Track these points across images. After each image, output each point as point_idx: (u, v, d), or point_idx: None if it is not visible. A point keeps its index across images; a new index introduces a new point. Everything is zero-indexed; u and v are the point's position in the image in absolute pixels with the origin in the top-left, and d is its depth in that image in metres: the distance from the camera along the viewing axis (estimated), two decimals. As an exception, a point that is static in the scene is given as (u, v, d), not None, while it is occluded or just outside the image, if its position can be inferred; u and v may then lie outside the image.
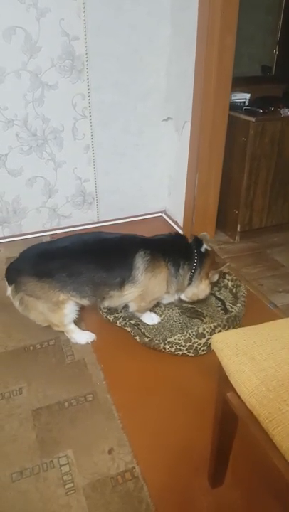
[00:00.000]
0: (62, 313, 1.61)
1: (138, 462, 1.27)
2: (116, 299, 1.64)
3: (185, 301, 1.80)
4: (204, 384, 1.53)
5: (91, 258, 1.58)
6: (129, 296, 1.63)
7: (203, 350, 1.64)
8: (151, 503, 1.17)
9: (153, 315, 1.80)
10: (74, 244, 1.61)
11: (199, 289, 1.71)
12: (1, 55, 2.00)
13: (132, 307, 1.70)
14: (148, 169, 2.65)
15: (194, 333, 1.61)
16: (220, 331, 1.61)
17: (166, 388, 1.53)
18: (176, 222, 2.67)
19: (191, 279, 1.68)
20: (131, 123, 2.44)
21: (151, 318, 1.78)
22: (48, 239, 2.55)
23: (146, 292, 1.63)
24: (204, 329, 1.62)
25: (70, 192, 2.55)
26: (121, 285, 1.59)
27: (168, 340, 1.61)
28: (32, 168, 2.38)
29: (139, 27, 2.19)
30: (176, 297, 1.75)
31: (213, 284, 1.78)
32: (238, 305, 1.76)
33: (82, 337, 1.72)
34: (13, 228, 2.54)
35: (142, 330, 1.72)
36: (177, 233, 1.81)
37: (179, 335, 1.61)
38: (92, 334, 1.74)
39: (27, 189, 2.43)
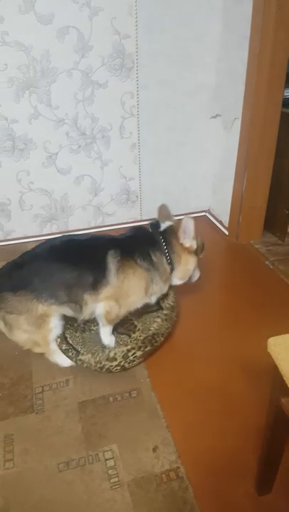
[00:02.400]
0: (47, 327, 1.50)
1: (183, 462, 1.26)
2: (91, 305, 1.53)
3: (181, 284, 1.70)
4: (251, 389, 1.49)
5: (60, 259, 1.50)
6: (102, 297, 1.53)
7: (116, 370, 1.53)
8: (196, 504, 1.15)
9: (113, 338, 1.63)
10: (42, 249, 1.54)
11: (184, 265, 1.61)
12: (54, 54, 2.04)
13: (101, 308, 1.54)
14: (192, 167, 2.62)
15: (105, 356, 1.51)
16: (134, 354, 1.52)
17: (211, 391, 1.50)
18: (220, 222, 2.63)
19: (170, 262, 1.59)
20: (177, 121, 2.42)
21: (109, 339, 1.61)
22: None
23: (120, 294, 1.53)
24: (115, 353, 1.51)
25: (114, 190, 2.57)
26: (94, 287, 1.50)
27: (79, 357, 1.53)
28: (80, 167, 2.41)
29: (188, 24, 2.17)
30: (166, 288, 1.65)
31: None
32: (158, 320, 1.65)
33: (65, 360, 1.59)
34: (60, 225, 2.59)
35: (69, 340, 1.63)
36: (140, 227, 1.68)
37: (90, 355, 1.53)
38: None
39: (74, 187, 2.47)
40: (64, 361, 1.60)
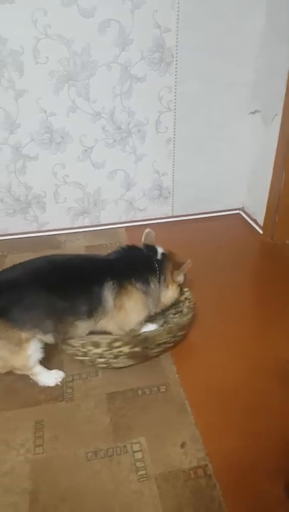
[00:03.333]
0: (25, 354, 1.39)
1: (211, 460, 1.25)
2: (84, 330, 1.48)
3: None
4: (282, 390, 1.46)
5: (48, 287, 1.38)
6: (102, 325, 1.49)
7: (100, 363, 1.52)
8: (224, 503, 1.14)
9: (149, 324, 1.64)
10: (25, 274, 1.41)
11: (167, 296, 1.58)
12: (95, 48, 2.06)
13: (113, 333, 1.53)
14: (227, 163, 2.58)
15: (90, 340, 1.47)
16: (119, 348, 1.47)
17: (240, 390, 1.48)
18: (255, 221, 2.59)
19: (160, 289, 1.56)
20: (214, 116, 2.39)
21: (148, 327, 1.62)
22: (123, 231, 2.60)
23: (123, 322, 1.50)
24: (101, 339, 1.47)
25: (147, 185, 2.57)
26: (89, 315, 1.44)
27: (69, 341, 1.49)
28: (114, 161, 2.42)
29: (229, 17, 2.13)
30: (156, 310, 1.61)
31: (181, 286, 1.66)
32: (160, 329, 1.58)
33: (50, 378, 1.52)
34: (92, 219, 2.61)
35: None
36: (130, 246, 1.62)
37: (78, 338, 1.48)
38: (61, 372, 1.55)
39: (108, 182, 2.48)
40: (49, 380, 1.51)
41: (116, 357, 1.49)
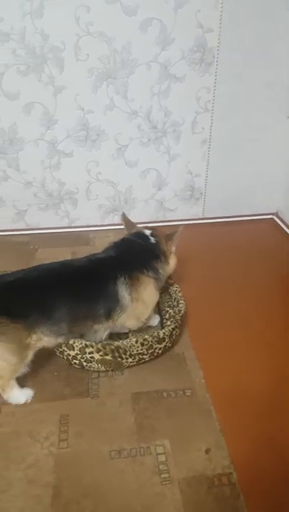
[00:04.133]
0: (24, 361, 1.37)
1: (236, 468, 1.23)
2: (102, 332, 1.49)
3: None
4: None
5: (67, 290, 1.40)
6: (121, 322, 1.51)
7: (75, 364, 1.53)
8: (248, 513, 1.12)
9: (156, 315, 1.73)
10: (44, 275, 1.42)
11: (169, 269, 1.64)
12: (135, 46, 2.05)
13: (131, 328, 1.59)
14: (263, 167, 2.54)
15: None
16: (91, 353, 1.48)
17: (267, 398, 1.46)
18: None
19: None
20: (252, 117, 2.35)
21: (155, 318, 1.72)
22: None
23: (141, 313, 1.53)
24: (74, 342, 1.47)
25: (179, 186, 2.55)
26: (107, 316, 1.45)
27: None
28: (147, 160, 2.42)
29: (273, 19, 2.09)
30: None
31: None
32: (132, 339, 1.53)
33: (21, 396, 1.44)
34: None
35: None
36: (123, 239, 1.63)
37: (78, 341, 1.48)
38: (31, 391, 1.47)
39: (140, 180, 2.48)
40: (20, 398, 1.43)
41: (88, 361, 1.50)
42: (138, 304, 1.50)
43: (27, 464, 1.26)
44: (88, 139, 2.29)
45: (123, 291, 1.46)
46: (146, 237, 1.62)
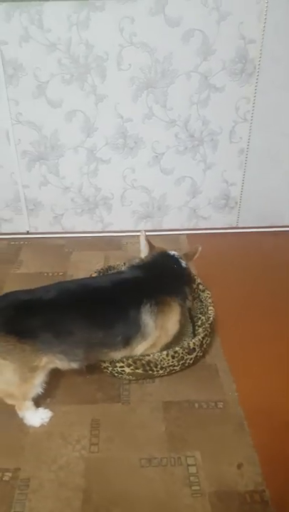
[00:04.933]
0: (33, 383, 1.31)
1: (268, 486, 1.21)
2: (117, 359, 1.44)
3: None
4: None
5: (83, 313, 1.32)
6: (139, 350, 1.44)
7: (106, 371, 1.53)
8: (280, 533, 1.10)
9: None
10: (60, 295, 1.33)
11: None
12: (176, 56, 2.08)
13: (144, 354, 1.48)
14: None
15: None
16: (122, 367, 1.47)
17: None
18: None
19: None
20: (291, 129, 2.33)
21: None
22: (185, 238, 2.59)
23: (162, 341, 1.47)
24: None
25: (213, 194, 2.55)
26: (125, 344, 1.38)
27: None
28: (183, 168, 2.43)
29: None
30: None
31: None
32: (163, 353, 1.48)
33: (37, 418, 1.40)
34: (154, 223, 2.63)
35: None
36: (165, 254, 1.54)
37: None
38: (49, 412, 1.42)
39: (174, 188, 2.50)
40: (34, 421, 1.39)
41: (119, 373, 1.50)
42: (162, 331, 1.44)
43: (58, 466, 1.29)
44: (126, 147, 2.33)
45: (147, 318, 1.38)
46: (176, 259, 1.53)
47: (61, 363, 1.33)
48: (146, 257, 1.55)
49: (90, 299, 1.36)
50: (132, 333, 1.37)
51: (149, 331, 1.40)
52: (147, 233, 2.56)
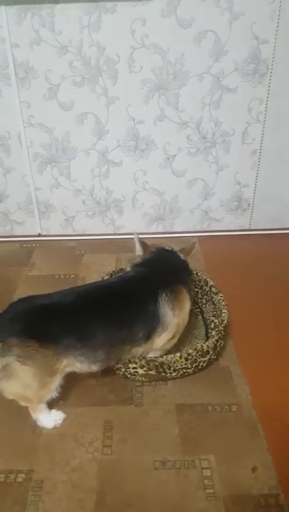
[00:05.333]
0: (50, 387, 1.32)
1: (283, 490, 1.19)
2: (140, 355, 1.46)
3: None
4: None
5: (103, 315, 1.34)
6: (160, 342, 1.45)
7: (119, 374, 1.53)
8: (296, 538, 1.08)
9: None
10: (78, 299, 1.34)
11: None
12: (188, 58, 2.07)
13: (158, 353, 1.52)
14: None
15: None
16: (135, 368, 1.47)
17: None
18: None
19: None
20: (305, 130, 2.31)
21: None
22: (197, 240, 2.57)
23: (178, 329, 1.49)
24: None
25: (225, 196, 2.53)
26: (146, 338, 1.40)
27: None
28: (195, 170, 2.42)
29: None
30: None
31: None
32: (176, 354, 1.48)
33: (50, 420, 1.40)
34: (166, 226, 2.63)
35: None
36: (163, 250, 1.60)
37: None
38: (62, 414, 1.43)
39: (186, 190, 2.49)
40: (48, 423, 1.39)
41: (132, 374, 1.50)
42: (179, 319, 1.46)
43: (71, 467, 1.29)
44: (137, 149, 2.33)
45: (165, 308, 1.41)
46: (175, 253, 1.58)
47: (81, 366, 1.34)
48: (145, 254, 1.59)
49: (107, 299, 1.38)
50: (152, 325, 1.40)
51: (169, 320, 1.42)
52: (159, 236, 2.60)
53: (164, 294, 1.41)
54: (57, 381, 1.32)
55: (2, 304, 1.96)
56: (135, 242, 1.61)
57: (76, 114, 2.22)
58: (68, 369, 1.34)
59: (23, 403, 1.37)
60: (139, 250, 1.60)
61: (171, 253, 1.58)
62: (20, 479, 1.25)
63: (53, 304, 1.31)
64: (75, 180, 2.41)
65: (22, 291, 2.07)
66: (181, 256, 1.59)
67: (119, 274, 1.82)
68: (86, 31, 2.02)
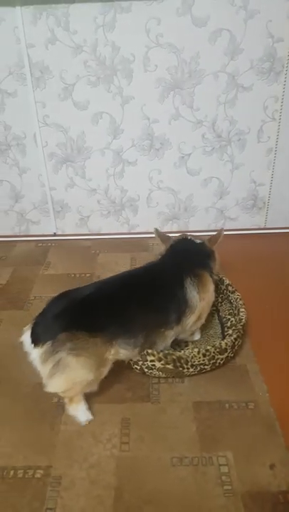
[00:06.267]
0: (101, 376, 1.38)
1: (302, 488, 1.18)
2: (171, 338, 1.54)
3: None
4: None
5: (139, 301, 1.42)
6: (188, 324, 1.54)
7: (136, 369, 1.56)
8: (316, 537, 1.07)
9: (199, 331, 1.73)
10: (116, 288, 1.45)
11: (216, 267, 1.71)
12: (203, 56, 2.07)
13: (187, 334, 1.63)
14: None
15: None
16: (152, 362, 1.49)
17: None
18: None
19: None
20: None
21: (198, 333, 1.72)
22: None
23: (204, 310, 1.57)
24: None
25: (241, 195, 2.52)
26: (177, 320, 1.49)
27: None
28: (210, 169, 2.42)
29: None
30: None
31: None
32: (195, 350, 1.50)
33: (84, 415, 1.41)
34: (181, 225, 2.63)
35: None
36: (180, 239, 1.70)
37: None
38: (90, 416, 1.43)
39: (201, 189, 2.49)
40: (81, 416, 1.41)
41: (149, 368, 1.51)
42: (204, 302, 1.55)
43: (89, 464, 1.29)
44: (152, 148, 2.33)
45: (192, 292, 1.50)
46: (191, 240, 1.68)
47: (124, 353, 1.40)
48: (167, 246, 1.68)
49: (142, 287, 1.47)
50: (181, 308, 1.49)
51: (195, 302, 1.51)
52: (173, 235, 2.58)
53: (188, 279, 1.51)
54: (107, 370, 1.38)
55: (19, 303, 2.01)
56: (157, 237, 1.71)
57: (91, 113, 2.24)
58: (115, 357, 1.39)
59: (68, 395, 1.38)
60: (161, 244, 1.70)
61: (191, 241, 1.67)
62: (38, 475, 1.27)
63: (92, 295, 1.38)
64: (90, 179, 2.43)
65: (38, 291, 2.10)
66: (197, 240, 1.66)
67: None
68: (101, 31, 2.03)
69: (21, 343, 1.35)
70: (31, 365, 1.33)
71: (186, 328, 1.55)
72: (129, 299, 1.41)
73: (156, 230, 1.73)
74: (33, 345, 1.30)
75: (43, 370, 1.30)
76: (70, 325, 1.29)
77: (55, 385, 1.32)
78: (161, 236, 1.71)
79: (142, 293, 1.45)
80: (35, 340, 1.29)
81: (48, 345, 1.27)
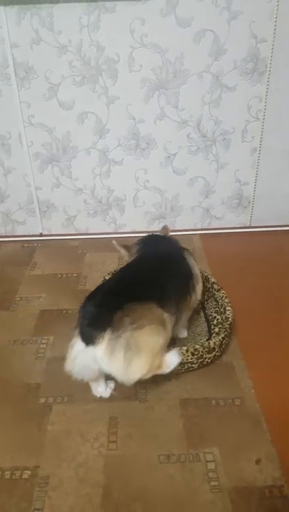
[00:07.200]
0: (169, 335, 1.39)
1: (287, 481, 1.21)
2: (189, 310, 1.66)
3: None
4: None
5: (165, 279, 1.47)
6: (198, 294, 1.66)
7: None
8: (301, 529, 1.10)
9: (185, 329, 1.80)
10: (145, 267, 1.54)
11: None
12: (188, 57, 2.09)
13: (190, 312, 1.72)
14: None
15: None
16: None
17: None
18: None
19: None
20: (304, 127, 2.32)
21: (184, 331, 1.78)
22: (198, 238, 2.60)
23: (193, 305, 1.68)
24: None
25: (226, 194, 2.54)
26: (193, 288, 1.61)
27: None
28: (195, 169, 2.44)
29: None
30: None
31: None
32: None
33: (174, 357, 1.40)
34: (168, 224, 2.60)
35: None
36: (149, 237, 1.82)
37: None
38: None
39: (187, 188, 2.50)
40: (174, 359, 1.38)
41: None
42: (198, 270, 1.68)
43: (77, 463, 1.29)
44: (138, 148, 2.34)
45: (191, 261, 1.64)
46: (154, 234, 1.84)
47: (168, 318, 1.38)
48: (135, 249, 1.72)
49: (161, 264, 1.55)
50: (192, 278, 1.61)
51: (197, 271, 1.66)
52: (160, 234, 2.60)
53: (185, 251, 1.66)
54: (170, 329, 1.40)
55: (5, 303, 2.00)
56: (118, 249, 1.77)
57: (76, 113, 2.23)
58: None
59: (155, 371, 1.31)
60: (125, 254, 1.75)
61: (156, 235, 1.83)
62: (26, 476, 1.26)
63: (122, 278, 1.50)
64: (76, 179, 2.43)
65: (24, 291, 2.09)
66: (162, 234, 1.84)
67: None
68: (86, 31, 2.03)
69: (76, 356, 1.28)
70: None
71: (197, 298, 1.64)
72: (159, 273, 1.47)
73: (117, 243, 1.76)
74: (90, 347, 1.23)
75: (116, 363, 1.22)
76: (117, 304, 1.26)
77: (137, 369, 1.24)
78: (123, 245, 1.76)
79: (163, 269, 1.51)
80: (92, 338, 1.23)
81: (108, 333, 1.21)
